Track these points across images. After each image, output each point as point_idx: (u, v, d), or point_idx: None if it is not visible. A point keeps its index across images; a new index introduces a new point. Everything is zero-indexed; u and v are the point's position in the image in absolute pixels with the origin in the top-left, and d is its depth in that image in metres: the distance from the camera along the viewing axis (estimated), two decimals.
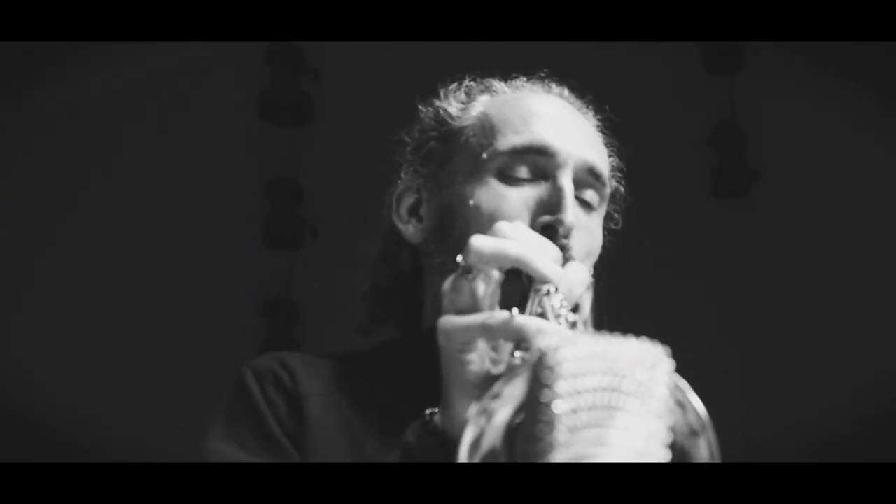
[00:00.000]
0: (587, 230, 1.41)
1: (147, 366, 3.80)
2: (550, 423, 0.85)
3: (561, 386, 0.86)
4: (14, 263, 3.82)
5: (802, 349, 3.82)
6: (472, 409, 0.92)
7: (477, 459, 0.90)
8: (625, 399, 0.86)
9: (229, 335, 3.86)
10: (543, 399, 0.86)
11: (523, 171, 1.39)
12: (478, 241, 1.11)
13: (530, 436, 0.86)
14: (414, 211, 1.49)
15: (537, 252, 1.12)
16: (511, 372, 0.92)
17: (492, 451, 0.91)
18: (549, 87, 1.52)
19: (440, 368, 1.10)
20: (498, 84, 1.52)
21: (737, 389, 3.89)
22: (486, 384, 0.98)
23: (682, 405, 0.92)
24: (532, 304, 1.09)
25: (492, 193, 1.38)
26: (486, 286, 1.10)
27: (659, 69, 3.94)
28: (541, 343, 0.90)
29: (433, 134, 1.49)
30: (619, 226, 1.54)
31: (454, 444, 0.92)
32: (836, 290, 3.82)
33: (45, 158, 3.89)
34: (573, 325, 1.06)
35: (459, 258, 1.11)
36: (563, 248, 1.29)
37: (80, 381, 3.73)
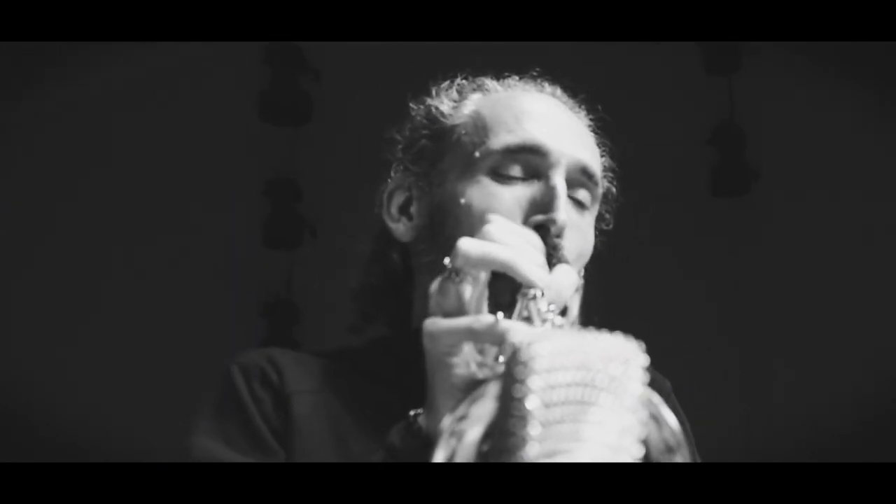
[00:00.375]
0: (579, 230, 1.40)
1: (147, 365, 3.79)
2: (523, 419, 0.84)
3: (534, 381, 0.85)
4: (14, 263, 3.82)
5: (802, 349, 3.82)
6: (442, 429, 0.91)
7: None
8: (598, 394, 0.85)
9: (229, 335, 3.86)
10: (516, 394, 0.85)
11: (516, 170, 1.38)
12: (465, 244, 1.11)
13: (503, 431, 0.86)
14: (404, 209, 1.48)
15: (524, 256, 1.12)
16: (476, 392, 0.92)
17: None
18: (542, 86, 1.51)
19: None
20: (490, 82, 1.51)
21: (737, 389, 3.90)
22: (471, 388, 0.98)
23: (656, 420, 0.91)
24: (519, 308, 1.09)
25: (484, 192, 1.37)
26: (472, 289, 1.10)
27: (659, 69, 3.94)
28: (514, 339, 0.89)
29: (425, 132, 1.48)
30: (611, 226, 1.54)
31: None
32: (836, 290, 3.82)
33: (44, 158, 3.89)
34: (560, 328, 1.05)
35: (447, 260, 1.11)
36: (555, 248, 1.30)
37: (80, 381, 3.73)
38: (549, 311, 1.07)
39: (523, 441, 0.84)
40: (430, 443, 1.05)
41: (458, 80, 1.52)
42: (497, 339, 1.02)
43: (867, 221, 3.84)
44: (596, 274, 1.43)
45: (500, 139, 1.40)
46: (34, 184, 3.87)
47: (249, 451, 1.33)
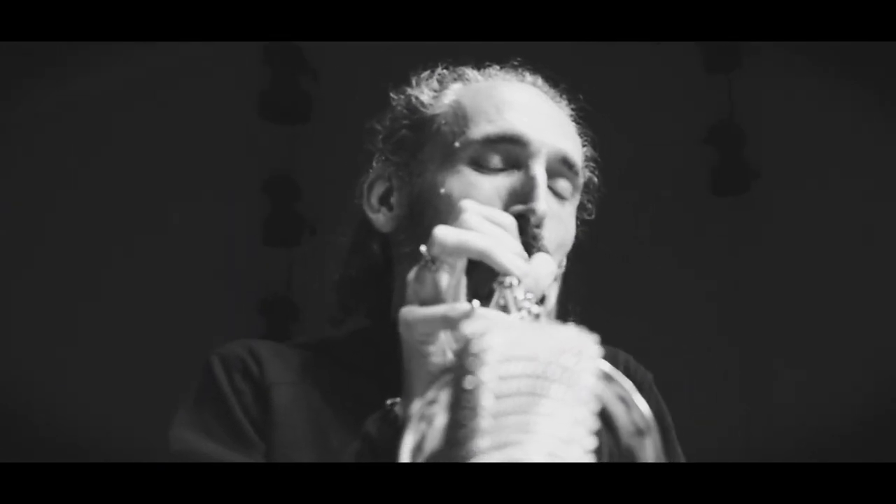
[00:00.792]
0: (559, 220, 1.39)
1: (147, 364, 3.79)
2: (474, 410, 0.83)
3: (485, 372, 0.84)
4: (14, 263, 3.82)
5: (802, 349, 3.81)
6: (412, 413, 0.90)
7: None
8: (549, 386, 0.84)
9: (228, 332, 3.85)
10: (467, 385, 0.84)
11: (496, 160, 1.37)
12: (441, 232, 1.11)
13: (454, 422, 0.85)
14: (385, 200, 1.48)
15: (501, 245, 1.12)
16: (444, 376, 0.91)
17: (434, 455, 0.89)
18: (523, 76, 1.50)
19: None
20: (471, 72, 1.50)
21: (737, 389, 3.89)
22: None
23: (626, 403, 0.90)
24: (496, 297, 1.08)
25: (464, 182, 1.36)
26: (449, 277, 1.10)
27: (658, 68, 3.94)
28: (466, 329, 0.88)
29: (405, 122, 1.48)
30: (593, 216, 1.53)
31: None
32: (836, 290, 3.81)
33: (44, 158, 3.89)
34: (537, 317, 1.05)
35: (423, 248, 1.11)
36: (535, 238, 1.29)
37: (80, 380, 3.73)
38: (525, 299, 1.07)
39: (473, 433, 0.82)
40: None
41: (439, 70, 1.51)
42: None
43: (867, 221, 3.84)
44: (578, 263, 1.43)
45: (480, 129, 1.39)
46: (34, 184, 3.87)
47: (229, 443, 1.33)
